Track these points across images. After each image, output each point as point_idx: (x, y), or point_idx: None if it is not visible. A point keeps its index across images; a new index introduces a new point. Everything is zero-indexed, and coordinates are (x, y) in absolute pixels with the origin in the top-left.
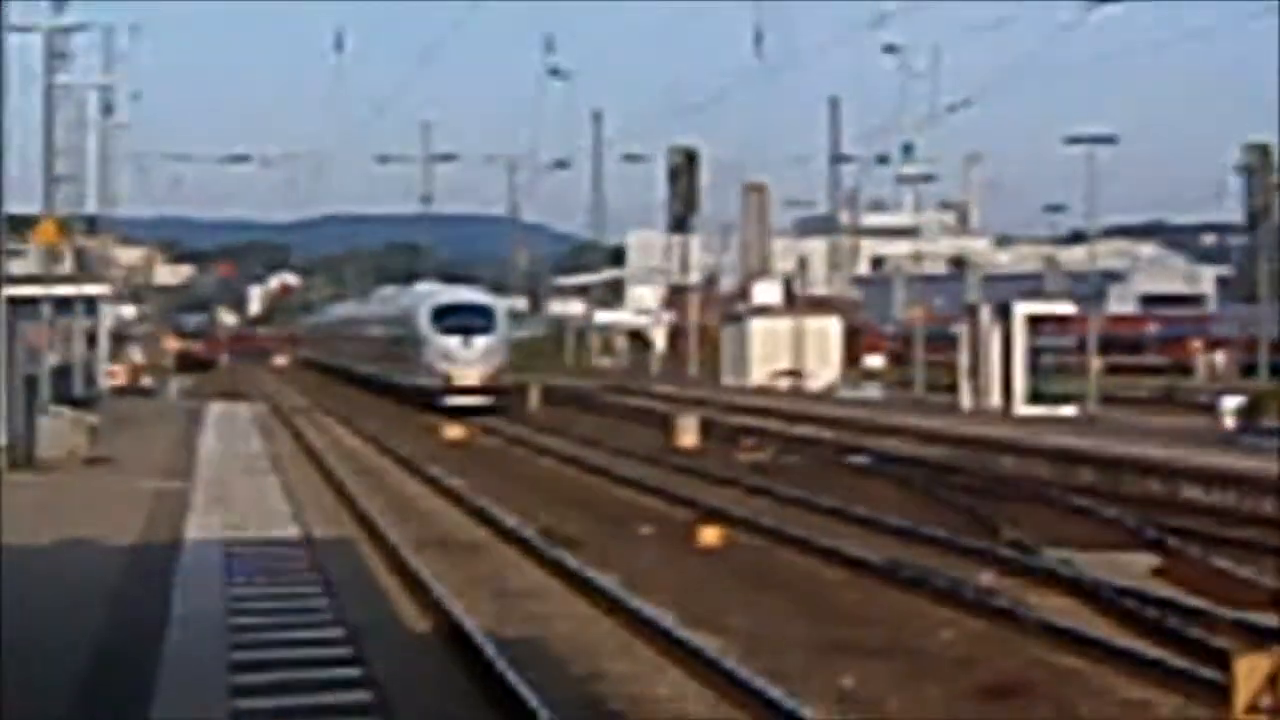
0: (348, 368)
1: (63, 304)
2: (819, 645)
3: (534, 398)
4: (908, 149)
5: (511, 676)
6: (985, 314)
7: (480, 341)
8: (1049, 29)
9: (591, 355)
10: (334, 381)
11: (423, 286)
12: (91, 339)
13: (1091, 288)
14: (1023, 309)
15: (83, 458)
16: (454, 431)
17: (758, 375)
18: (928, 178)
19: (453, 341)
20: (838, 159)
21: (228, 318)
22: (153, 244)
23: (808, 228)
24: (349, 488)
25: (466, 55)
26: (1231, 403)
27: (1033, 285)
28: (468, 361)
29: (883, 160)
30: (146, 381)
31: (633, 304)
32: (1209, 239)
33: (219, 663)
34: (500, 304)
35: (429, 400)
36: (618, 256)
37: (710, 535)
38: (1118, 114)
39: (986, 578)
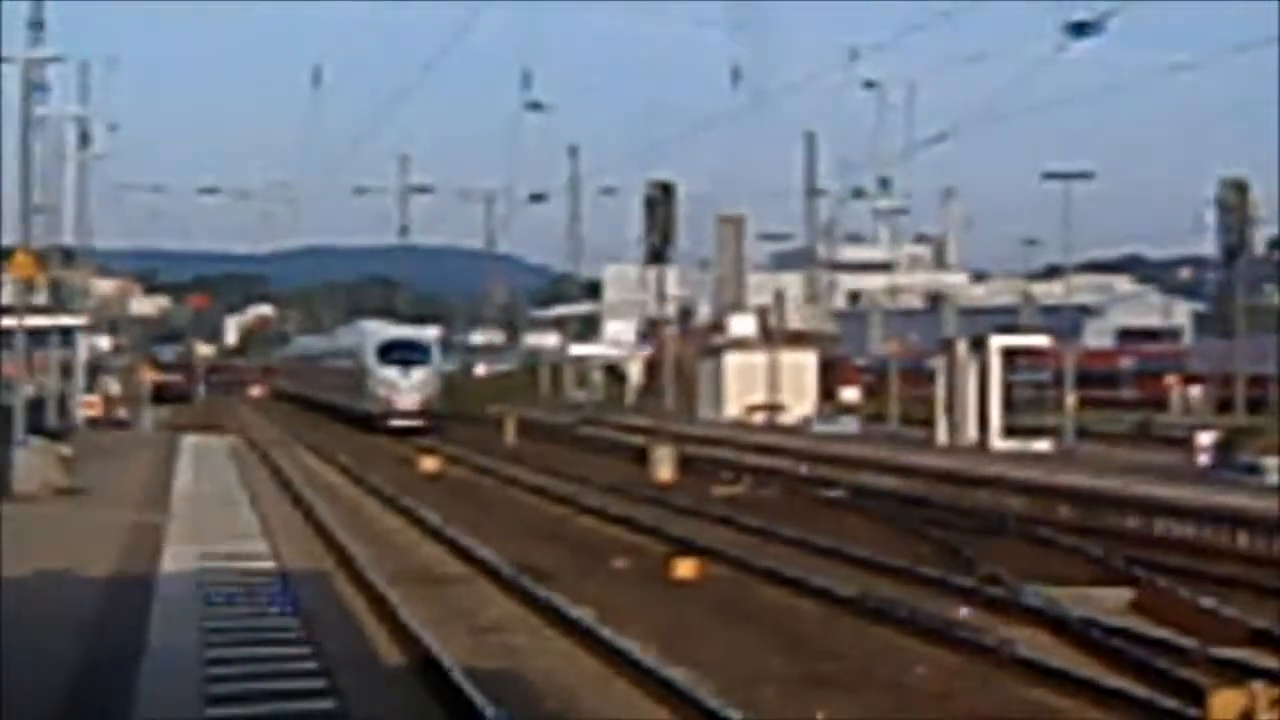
0: (311, 396)
1: (38, 335)
2: (795, 679)
3: (510, 430)
4: (884, 183)
5: (488, 711)
6: (961, 348)
7: (417, 373)
8: (1025, 64)
9: (567, 388)
10: (305, 411)
11: (370, 324)
12: (67, 370)
13: (1067, 322)
14: (998, 343)
15: (57, 489)
16: (429, 464)
17: (733, 409)
18: (904, 212)
19: (393, 373)
20: (814, 193)
21: (203, 349)
22: (129, 275)
23: (784, 261)
24: (324, 520)
25: (444, 89)
26: (1207, 438)
27: (1009, 319)
28: (406, 389)
29: (859, 194)
30: (122, 413)
31: (608, 337)
32: (1185, 273)
33: (194, 696)
34: (434, 340)
35: (374, 422)
36: (594, 289)
37: (686, 568)
38: (1094, 149)
39: (962, 612)
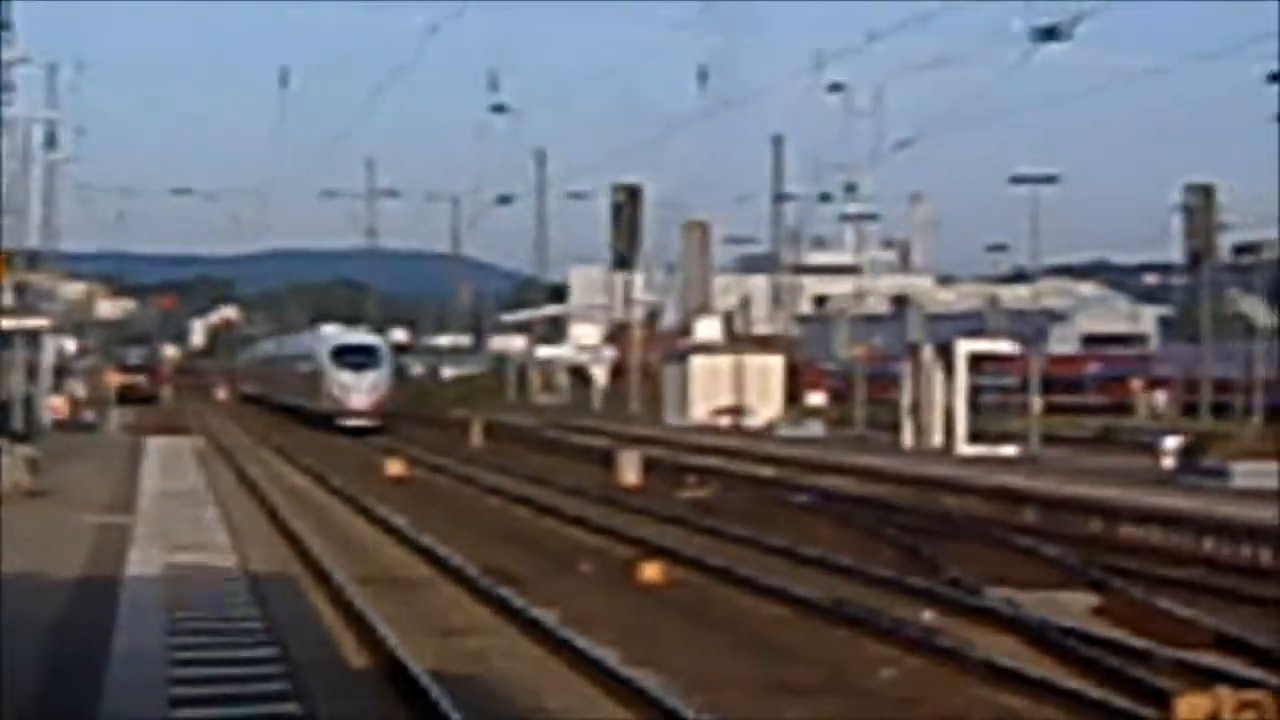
0: (272, 398)
1: (3, 337)
2: (761, 683)
3: (476, 433)
4: (851, 188)
5: (454, 714)
6: (927, 352)
7: (369, 375)
8: (993, 68)
9: (533, 391)
10: (269, 414)
11: (327, 329)
12: (32, 372)
13: (1033, 327)
14: (965, 348)
15: (24, 491)
16: (395, 467)
17: (699, 412)
18: (871, 216)
19: (347, 375)
20: (781, 197)
21: (170, 352)
22: (96, 277)
23: (750, 265)
24: (290, 523)
25: (412, 92)
26: (1172, 443)
27: (975, 324)
28: (359, 390)
29: (826, 198)
30: (88, 415)
31: (575, 340)
32: (1151, 279)
33: (160, 697)
34: (384, 344)
35: (329, 421)
36: (560, 293)
37: (652, 572)
38: (1061, 153)
39: (928, 616)
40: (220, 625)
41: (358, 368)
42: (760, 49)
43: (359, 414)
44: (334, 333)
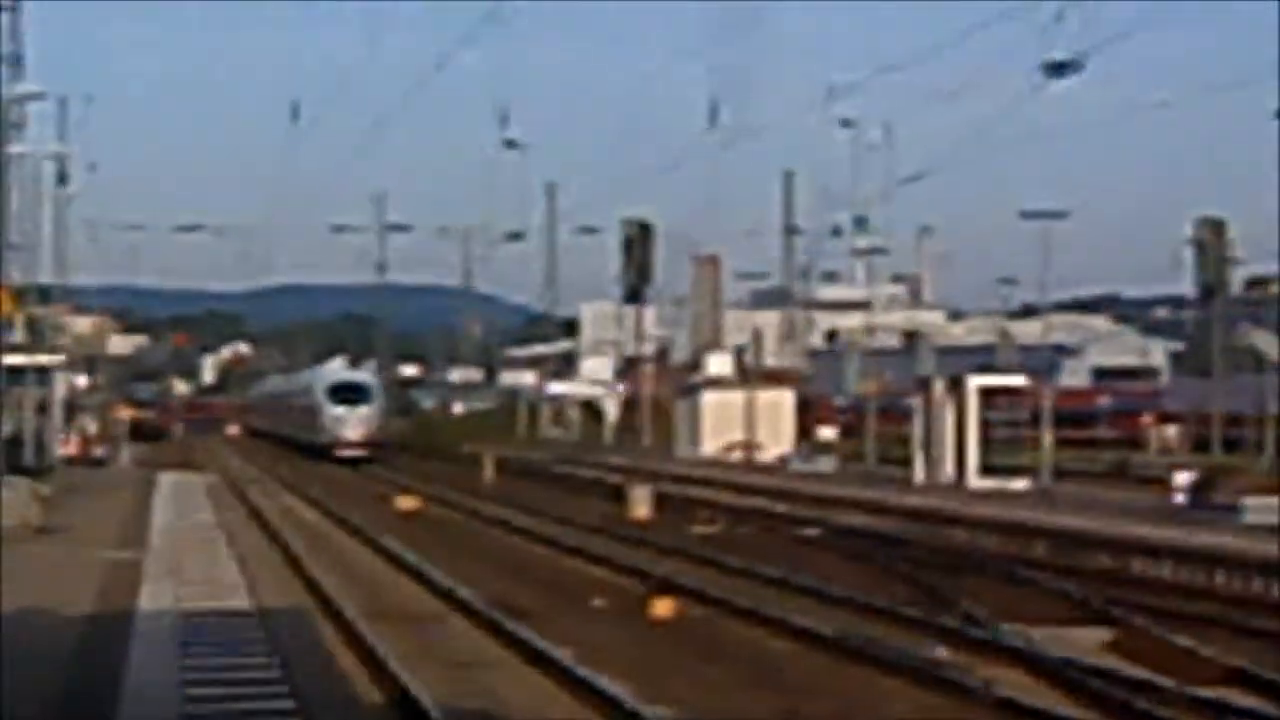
0: (275, 431)
1: (14, 373)
2: (772, 718)
3: (488, 469)
4: (860, 222)
5: None
6: (938, 387)
7: (361, 410)
8: (1003, 102)
9: (544, 426)
10: (278, 448)
11: (327, 367)
12: (43, 408)
13: (1044, 361)
14: (975, 382)
15: (35, 528)
16: (406, 502)
17: (710, 447)
18: (882, 251)
19: (341, 410)
20: (791, 231)
21: (181, 387)
22: (106, 313)
23: (761, 300)
24: (302, 558)
25: (421, 126)
26: (1183, 477)
27: (985, 358)
28: (352, 424)
29: (836, 233)
30: (99, 451)
31: (586, 375)
32: (1161, 313)
33: None
34: (375, 381)
35: (325, 452)
36: (571, 328)
37: (663, 607)
38: (1071, 187)
39: (940, 651)
40: (233, 661)
41: (351, 403)
42: (771, 82)
43: (352, 445)
44: (330, 371)
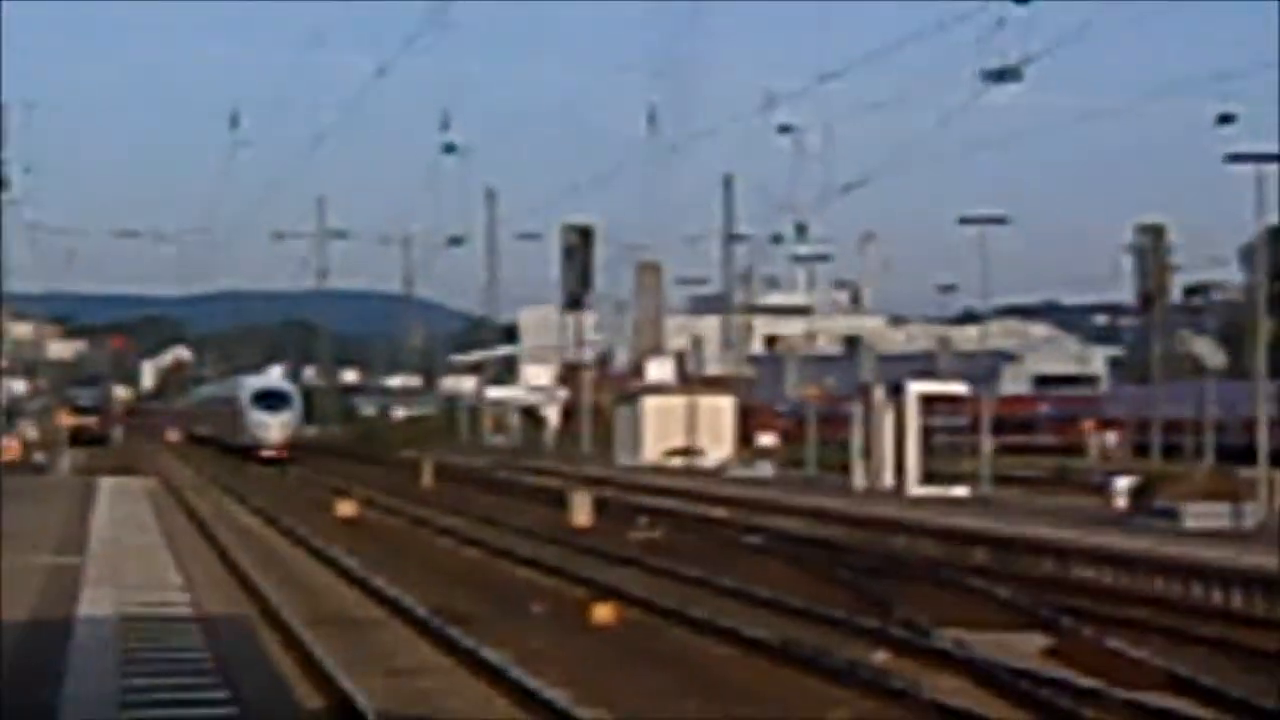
0: (207, 435)
1: None
2: None
3: (427, 474)
4: (801, 228)
5: None
6: (879, 393)
7: (281, 415)
8: (943, 110)
9: (484, 433)
10: (219, 454)
11: (249, 378)
12: None
13: (984, 368)
14: (916, 389)
15: None
16: (345, 508)
17: (651, 453)
18: (822, 257)
19: (263, 415)
20: (732, 237)
21: (121, 393)
22: (45, 318)
23: (701, 306)
24: (242, 564)
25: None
26: (1123, 483)
27: (925, 365)
28: (272, 428)
29: (777, 239)
30: (39, 456)
31: (526, 381)
32: (1101, 319)
33: None
34: (293, 389)
35: (248, 452)
36: (511, 334)
37: (603, 613)
38: (1011, 194)
39: (879, 657)
40: (172, 666)
41: (272, 409)
42: (711, 90)
43: (272, 446)
44: (254, 380)
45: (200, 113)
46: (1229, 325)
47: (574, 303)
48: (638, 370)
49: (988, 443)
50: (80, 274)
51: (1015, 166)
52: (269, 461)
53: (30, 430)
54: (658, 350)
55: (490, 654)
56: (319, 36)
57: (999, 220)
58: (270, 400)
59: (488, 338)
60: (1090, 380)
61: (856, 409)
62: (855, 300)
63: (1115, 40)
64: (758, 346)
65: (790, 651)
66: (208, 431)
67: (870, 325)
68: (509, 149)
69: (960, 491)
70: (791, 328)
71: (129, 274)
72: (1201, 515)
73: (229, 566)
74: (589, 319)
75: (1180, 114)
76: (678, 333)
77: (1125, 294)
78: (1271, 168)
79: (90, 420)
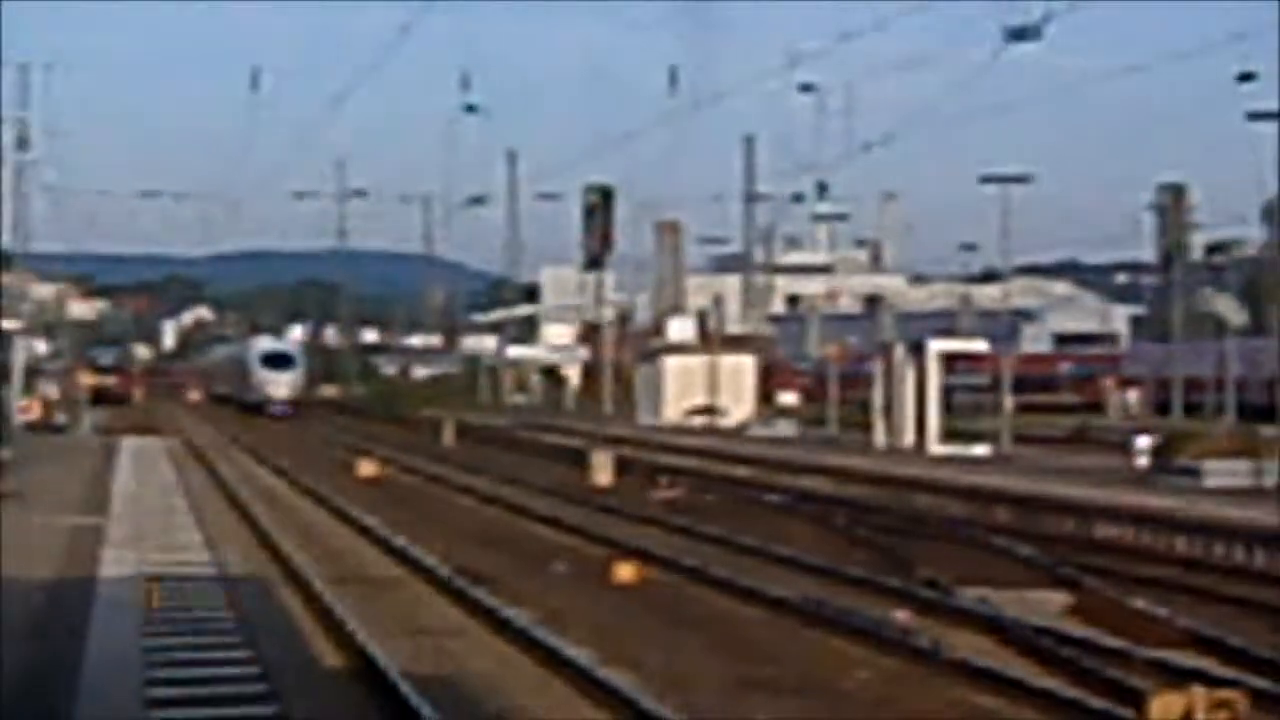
0: (221, 393)
1: None
2: (734, 683)
3: (448, 434)
4: (823, 187)
5: (426, 712)
6: (899, 352)
7: (287, 374)
8: (964, 68)
9: (505, 392)
10: (238, 413)
11: (258, 339)
12: (3, 374)
13: (1005, 326)
14: (936, 347)
15: None
16: (367, 468)
17: (672, 412)
18: (843, 216)
19: (270, 373)
20: (753, 197)
21: (142, 352)
22: (67, 278)
23: (723, 265)
24: (263, 523)
25: (382, 91)
26: (1144, 442)
27: (946, 323)
28: (279, 385)
29: (798, 198)
30: (60, 417)
31: (547, 341)
32: (1122, 278)
33: (134, 698)
34: (299, 350)
35: (257, 408)
36: (532, 293)
37: (626, 572)
38: (1032, 153)
39: (902, 616)
40: (195, 626)
41: (279, 368)
42: (733, 49)
43: (280, 403)
44: (262, 341)
45: (222, 72)
46: (1250, 283)
47: (594, 262)
48: (659, 329)
49: (1008, 401)
50: (101, 234)
51: (1037, 125)
52: (277, 416)
53: (51, 390)
54: (679, 309)
55: (512, 613)
56: None
57: (1020, 179)
58: (277, 360)
59: (509, 297)
60: (1111, 339)
61: (877, 368)
62: (876, 259)
63: None
64: (779, 305)
65: (813, 610)
66: (223, 389)
67: (891, 284)
68: (530, 109)
69: (981, 450)
70: (812, 286)
71: (150, 234)
72: (1222, 473)
73: (250, 526)
74: (609, 278)
75: (1203, 72)
76: (699, 292)
77: (1146, 252)
78: None
79: (111, 380)
